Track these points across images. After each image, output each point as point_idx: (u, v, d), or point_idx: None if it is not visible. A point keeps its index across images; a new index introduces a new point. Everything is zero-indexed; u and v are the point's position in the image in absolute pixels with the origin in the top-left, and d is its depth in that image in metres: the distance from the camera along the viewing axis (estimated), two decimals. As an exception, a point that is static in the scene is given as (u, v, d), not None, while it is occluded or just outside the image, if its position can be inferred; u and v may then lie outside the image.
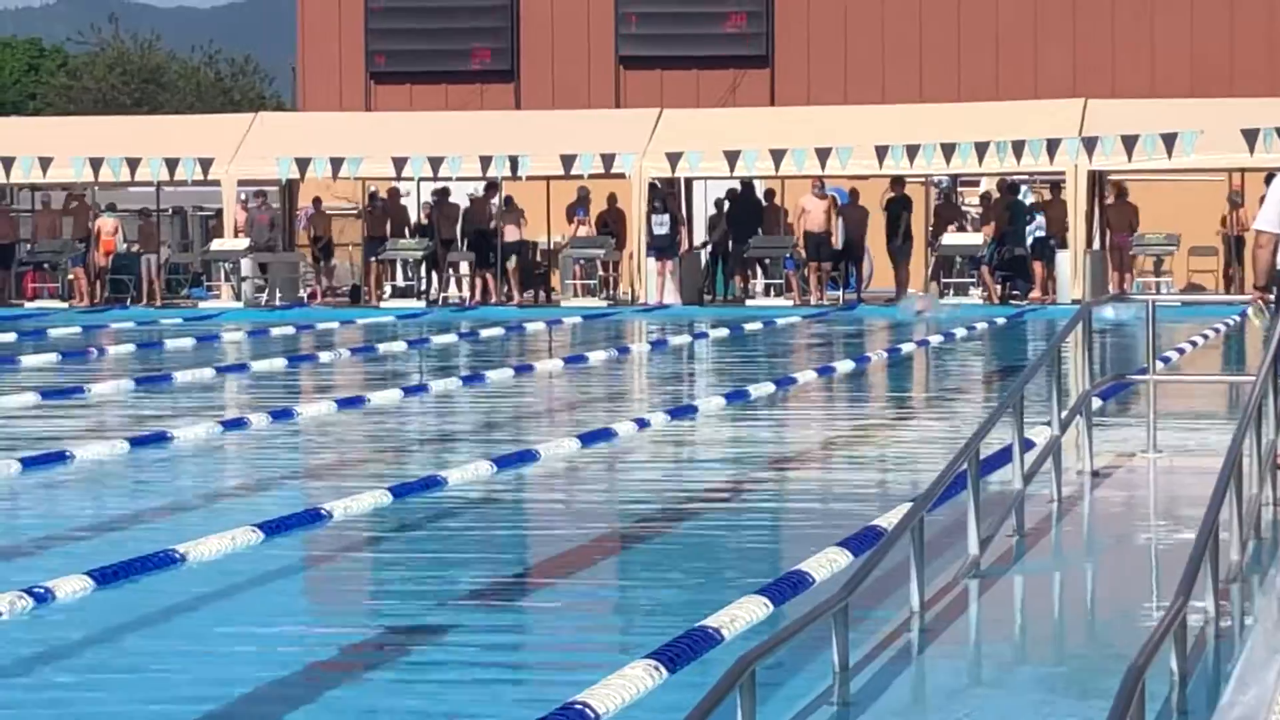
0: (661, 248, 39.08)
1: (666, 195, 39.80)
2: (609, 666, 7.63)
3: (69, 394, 21.30)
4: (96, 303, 40.07)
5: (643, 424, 18.10)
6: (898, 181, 39.50)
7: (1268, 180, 33.98)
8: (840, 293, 39.49)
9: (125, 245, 43.12)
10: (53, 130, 45.74)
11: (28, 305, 40.07)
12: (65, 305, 39.65)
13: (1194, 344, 25.42)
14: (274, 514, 12.18)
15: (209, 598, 10.43)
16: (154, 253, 41.43)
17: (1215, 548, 8.62)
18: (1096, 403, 14.88)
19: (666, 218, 39.37)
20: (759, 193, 41.15)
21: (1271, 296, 13.45)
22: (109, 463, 15.70)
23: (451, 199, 40.76)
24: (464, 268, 41.11)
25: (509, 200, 40.38)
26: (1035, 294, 38.33)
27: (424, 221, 41.30)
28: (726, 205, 40.92)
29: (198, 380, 23.42)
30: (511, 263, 39.75)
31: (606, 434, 17.02)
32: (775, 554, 11.95)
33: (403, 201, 41.82)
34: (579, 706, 7.05)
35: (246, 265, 40.25)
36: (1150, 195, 40.34)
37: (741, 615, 8.80)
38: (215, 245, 40.41)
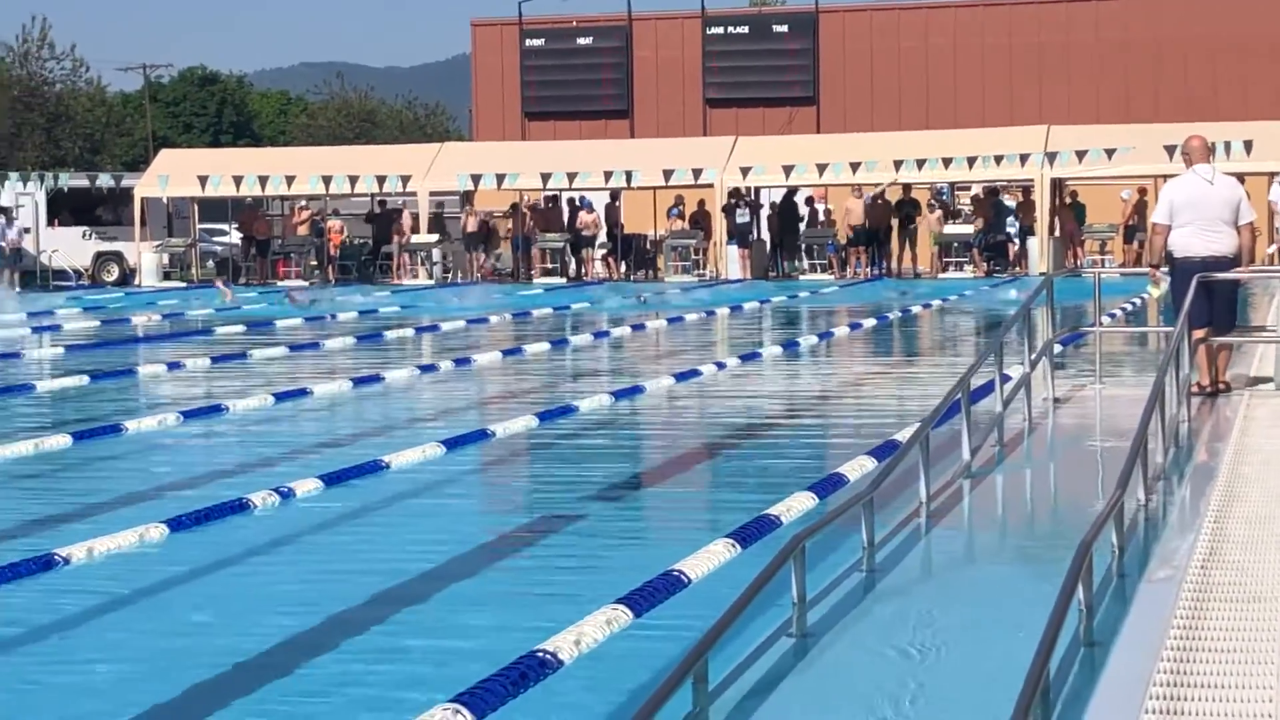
0: (743, 233, 39.02)
1: (746, 197, 39.74)
2: (697, 544, 7.57)
3: (309, 348, 21.39)
4: (331, 281, 40.25)
5: (721, 366, 18.02)
6: (906, 188, 39.29)
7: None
8: (866, 270, 39.16)
9: (348, 239, 43.33)
10: (296, 157, 45.95)
11: (279, 284, 40.27)
12: (307, 284, 39.76)
13: (1132, 305, 25.07)
14: (454, 433, 12.19)
15: (405, 494, 10.43)
16: (394, 239, 41.00)
17: (1145, 453, 8.51)
18: (1057, 348, 14.72)
19: (747, 210, 39.31)
20: (800, 200, 40.91)
21: (1162, 271, 13.45)
22: (338, 397, 15.74)
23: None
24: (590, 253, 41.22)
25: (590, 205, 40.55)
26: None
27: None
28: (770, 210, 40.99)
29: (401, 337, 23.48)
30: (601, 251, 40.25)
31: (694, 373, 16.94)
32: (821, 460, 11.87)
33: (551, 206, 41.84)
34: (675, 573, 6.99)
35: (436, 253, 40.31)
36: (1097, 196, 39.96)
37: (795, 506, 8.73)
38: (414, 239, 40.39)
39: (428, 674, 6.45)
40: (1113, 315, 21.65)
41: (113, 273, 43.14)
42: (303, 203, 42.45)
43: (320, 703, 6.18)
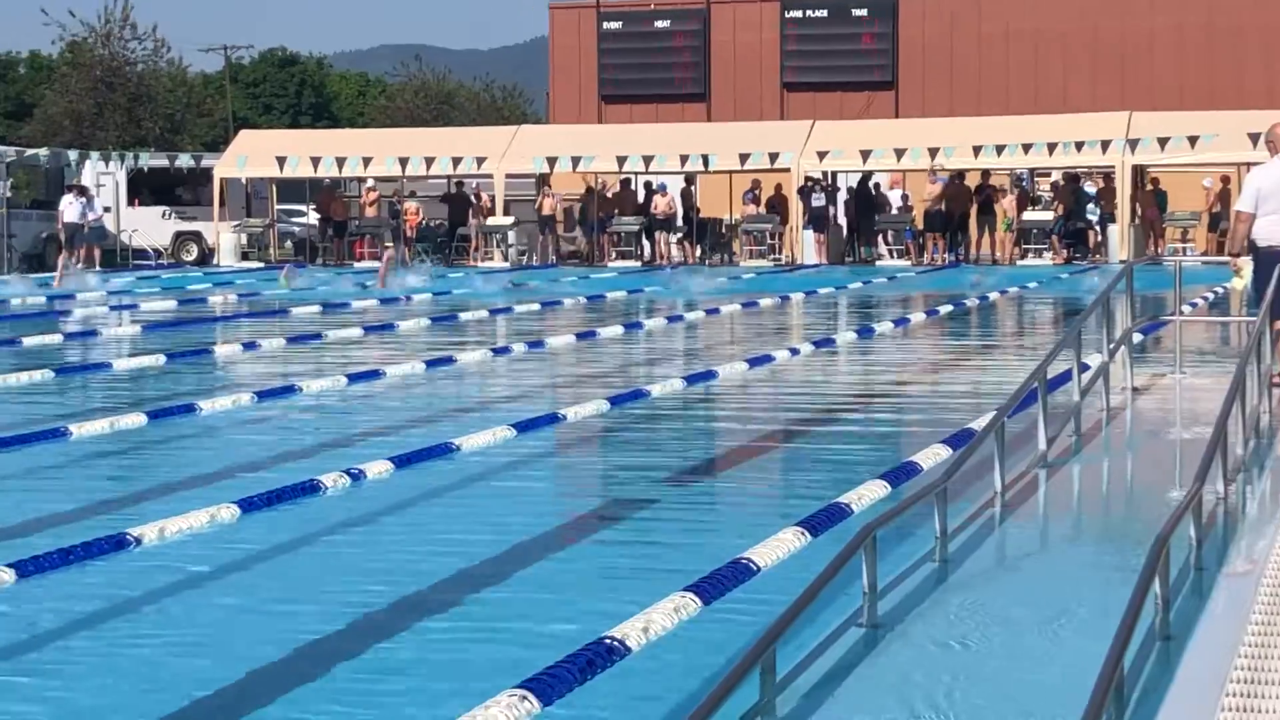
0: (819, 217, 38.85)
1: (821, 181, 39.54)
2: (767, 531, 7.51)
3: (385, 329, 21.44)
4: (407, 263, 40.32)
5: (795, 351, 17.93)
6: (985, 174, 39.02)
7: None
8: (944, 256, 38.89)
9: (425, 221, 43.42)
10: (373, 139, 46.07)
11: (356, 265, 40.39)
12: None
13: (1214, 294, 24.76)
14: (525, 416, 12.16)
15: (474, 477, 10.41)
16: (469, 222, 41.03)
17: (1224, 445, 8.39)
18: (1137, 337, 14.56)
19: (823, 194, 39.13)
20: (870, 185, 40.71)
21: (1241, 261, 13.23)
22: (411, 378, 15.76)
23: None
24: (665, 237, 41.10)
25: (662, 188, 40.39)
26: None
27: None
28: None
29: (475, 319, 23.49)
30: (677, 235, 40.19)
31: (767, 358, 16.85)
32: (894, 448, 11.77)
33: (629, 189, 41.77)
34: (744, 561, 6.93)
35: (512, 235, 40.35)
36: (1179, 183, 39.52)
37: (867, 494, 8.66)
38: (490, 220, 40.46)
39: (493, 659, 6.42)
40: (1194, 304, 21.42)
41: (192, 252, 43.47)
42: (370, 183, 42.53)
43: (387, 686, 6.17)
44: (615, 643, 5.62)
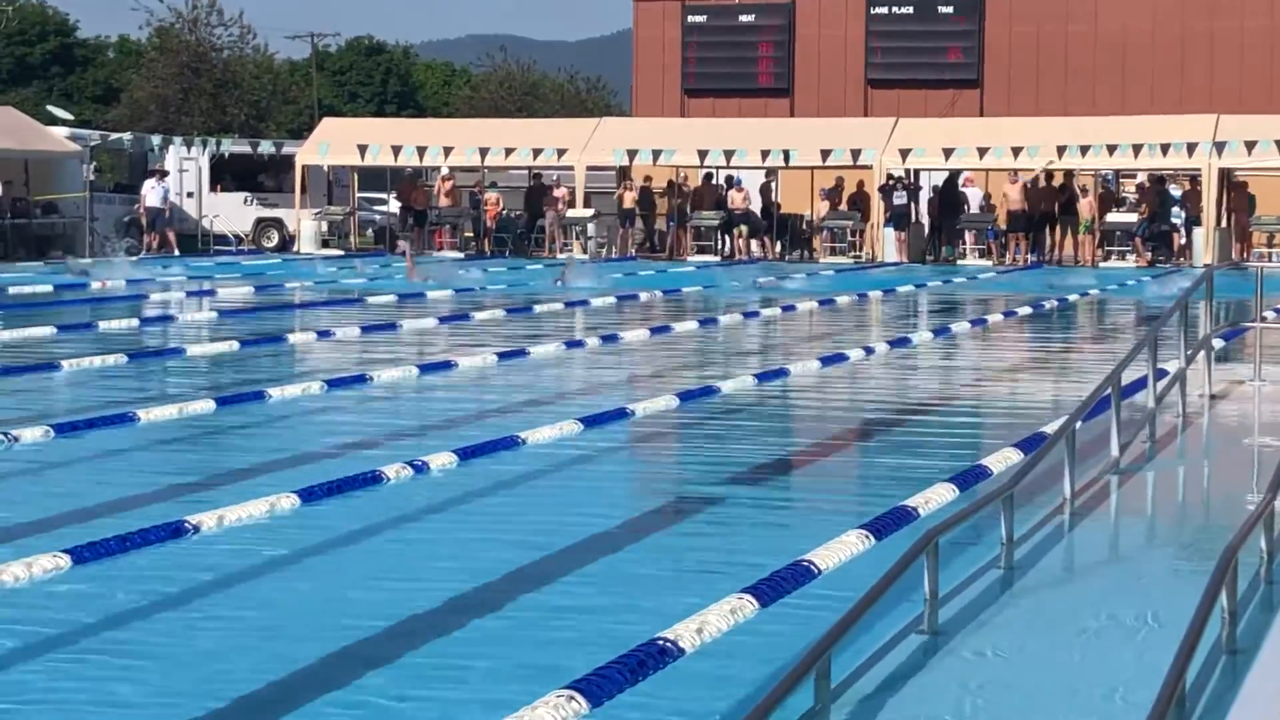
0: (900, 215, 38.56)
1: (904, 179, 39.23)
2: (831, 533, 7.42)
3: (458, 320, 21.43)
4: (486, 254, 40.35)
5: (869, 351, 17.78)
6: (1068, 174, 38.64)
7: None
8: (1026, 256, 38.52)
9: (505, 212, 43.42)
10: (455, 128, 46.13)
11: (435, 255, 40.33)
12: (462, 255, 39.82)
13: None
14: (593, 411, 12.10)
15: (539, 472, 10.38)
16: (547, 213, 41.00)
17: (1301, 455, 8.24)
18: (1217, 343, 14.34)
19: (904, 193, 38.84)
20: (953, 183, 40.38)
21: None
22: (482, 370, 15.73)
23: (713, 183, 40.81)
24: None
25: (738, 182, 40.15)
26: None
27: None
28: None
29: (551, 311, 23.46)
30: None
31: (841, 358, 16.71)
32: (965, 451, 11.64)
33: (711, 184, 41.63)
34: (805, 563, 6.86)
35: (592, 228, 40.28)
36: (1267, 187, 38.96)
37: (934, 498, 8.56)
38: (570, 213, 40.39)
39: (547, 656, 6.37)
40: (1277, 311, 21.08)
41: (273, 239, 43.70)
42: (445, 171, 42.49)
43: (439, 680, 6.13)
44: (668, 644, 5.56)
